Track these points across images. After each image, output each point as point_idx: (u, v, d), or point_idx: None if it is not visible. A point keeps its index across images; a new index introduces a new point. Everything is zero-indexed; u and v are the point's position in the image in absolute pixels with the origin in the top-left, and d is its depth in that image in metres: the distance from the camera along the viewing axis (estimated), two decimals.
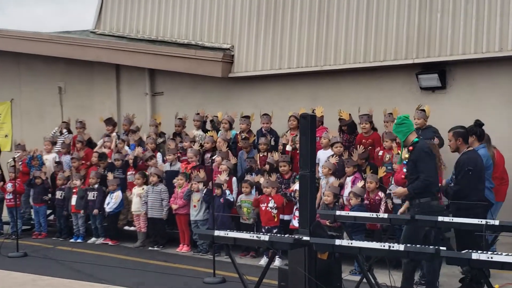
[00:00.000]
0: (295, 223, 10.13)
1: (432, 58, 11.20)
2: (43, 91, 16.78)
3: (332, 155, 10.79)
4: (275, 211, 10.72)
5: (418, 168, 7.85)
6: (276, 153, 11.40)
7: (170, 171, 12.49)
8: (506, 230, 7.19)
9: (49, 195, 13.86)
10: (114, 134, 14.07)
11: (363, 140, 10.92)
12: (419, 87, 11.49)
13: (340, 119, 11.39)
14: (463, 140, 8.49)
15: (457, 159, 8.53)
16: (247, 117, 12.29)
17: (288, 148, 11.27)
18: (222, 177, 11.33)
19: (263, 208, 10.80)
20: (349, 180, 10.47)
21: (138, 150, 12.88)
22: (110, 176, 12.83)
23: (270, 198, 10.72)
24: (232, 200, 11.20)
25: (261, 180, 11.12)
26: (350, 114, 11.30)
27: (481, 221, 7.16)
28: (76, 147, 14.24)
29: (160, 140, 13.38)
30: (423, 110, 10.39)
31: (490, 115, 10.41)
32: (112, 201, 12.65)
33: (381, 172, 10.12)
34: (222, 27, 13.99)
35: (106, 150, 13.80)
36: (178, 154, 12.68)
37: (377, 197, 9.94)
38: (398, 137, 8.49)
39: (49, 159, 14.46)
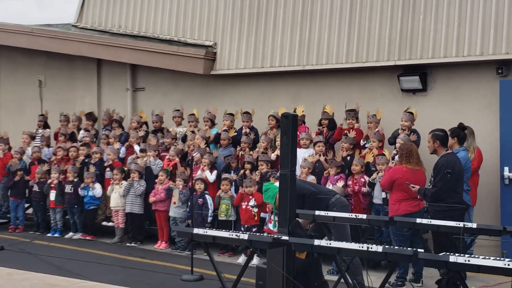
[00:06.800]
0: (270, 226, 10.11)
1: (414, 60, 11.24)
2: (23, 84, 16.61)
3: (312, 155, 10.81)
4: (255, 210, 10.71)
5: None
6: (256, 151, 11.39)
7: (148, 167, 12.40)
8: (483, 233, 7.23)
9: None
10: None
11: (346, 131, 10.97)
12: (400, 89, 11.53)
13: (323, 113, 11.42)
14: (440, 143, 8.50)
15: (436, 162, 8.57)
16: (231, 114, 12.34)
17: (273, 157, 11.13)
18: (204, 173, 11.33)
19: (244, 206, 10.78)
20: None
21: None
22: (91, 169, 12.73)
23: (251, 197, 10.70)
24: (210, 207, 11.18)
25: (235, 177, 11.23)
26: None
27: (459, 224, 7.21)
28: (59, 140, 14.10)
29: (142, 133, 13.23)
30: (411, 113, 10.44)
31: (470, 118, 10.46)
32: (97, 191, 12.56)
33: (369, 156, 10.23)
34: (205, 24, 13.93)
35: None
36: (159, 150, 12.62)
37: (361, 179, 10.14)
38: (271, 203, 8.54)
39: (27, 153, 14.35)
